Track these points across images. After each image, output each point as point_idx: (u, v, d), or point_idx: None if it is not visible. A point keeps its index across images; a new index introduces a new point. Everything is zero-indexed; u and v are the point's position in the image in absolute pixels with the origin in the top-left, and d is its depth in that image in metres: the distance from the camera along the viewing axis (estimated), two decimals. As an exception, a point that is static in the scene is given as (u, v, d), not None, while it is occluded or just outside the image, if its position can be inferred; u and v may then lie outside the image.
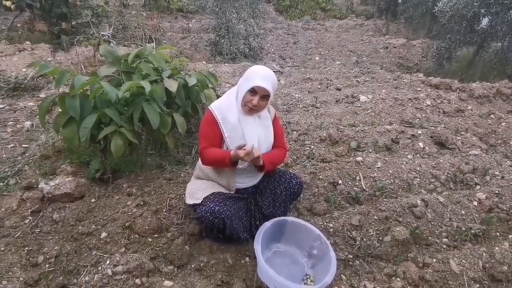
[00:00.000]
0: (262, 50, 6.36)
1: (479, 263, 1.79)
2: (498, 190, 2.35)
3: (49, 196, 2.09)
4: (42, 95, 3.58)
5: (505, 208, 2.22)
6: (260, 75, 1.68)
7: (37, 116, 2.94)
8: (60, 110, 2.16)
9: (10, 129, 2.96)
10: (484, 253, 1.85)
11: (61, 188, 2.12)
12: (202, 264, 1.79)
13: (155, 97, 2.24)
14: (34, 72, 3.76)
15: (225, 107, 1.78)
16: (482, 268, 1.78)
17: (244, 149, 1.63)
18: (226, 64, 5.35)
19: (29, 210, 2.03)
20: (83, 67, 4.12)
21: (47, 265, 1.75)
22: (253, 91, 1.68)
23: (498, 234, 2.07)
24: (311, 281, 1.76)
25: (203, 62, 5.42)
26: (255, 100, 1.68)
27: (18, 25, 5.93)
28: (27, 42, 5.01)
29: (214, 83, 2.80)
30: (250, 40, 6.31)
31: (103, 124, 2.21)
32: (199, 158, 1.91)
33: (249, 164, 1.85)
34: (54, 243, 1.88)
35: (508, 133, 3.30)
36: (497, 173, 2.62)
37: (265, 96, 1.70)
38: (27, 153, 2.64)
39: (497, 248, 1.88)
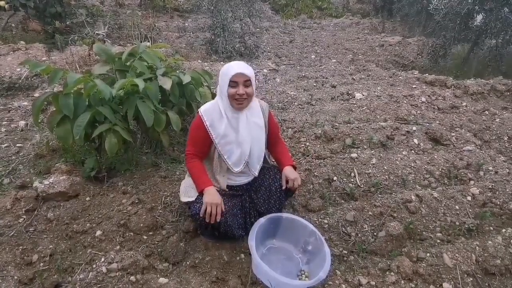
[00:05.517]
0: (257, 48, 6.36)
1: (472, 257, 1.80)
2: (492, 185, 2.37)
3: (44, 195, 2.09)
4: (37, 95, 3.57)
5: (498, 202, 2.24)
6: (232, 66, 1.70)
7: (32, 116, 2.93)
8: (54, 109, 2.16)
9: (4, 129, 2.95)
10: (477, 247, 1.86)
11: (56, 186, 2.12)
12: (197, 261, 1.79)
13: (149, 94, 2.24)
14: (28, 71, 3.75)
15: (215, 111, 1.79)
16: (475, 262, 1.79)
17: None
18: (221, 62, 5.34)
19: (24, 209, 2.02)
20: (77, 66, 4.11)
21: (41, 264, 1.75)
22: (233, 83, 1.68)
23: (491, 228, 2.08)
24: (306, 276, 1.77)
25: (199, 61, 5.42)
26: (240, 89, 1.68)
27: (12, 25, 5.90)
28: (22, 42, 4.98)
29: (209, 81, 2.79)
30: (245, 39, 6.30)
31: (97, 122, 2.20)
32: None
33: (244, 166, 1.86)
34: (49, 241, 1.88)
35: (502, 129, 3.31)
36: (490, 168, 2.63)
37: (246, 82, 1.69)
38: (21, 152, 2.63)
39: (490, 242, 1.90)
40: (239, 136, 1.79)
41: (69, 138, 2.09)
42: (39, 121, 2.90)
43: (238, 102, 1.72)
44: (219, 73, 1.78)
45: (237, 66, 1.69)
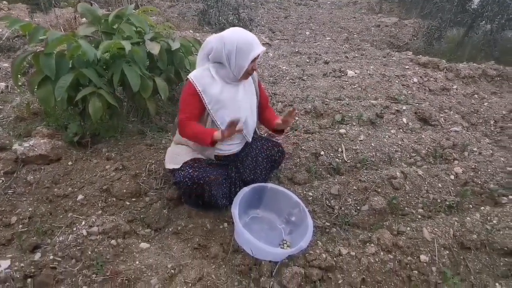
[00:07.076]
0: (251, 22, 6.19)
1: (450, 232, 1.85)
2: (475, 165, 2.41)
3: (23, 157, 2.03)
4: (18, 57, 3.42)
5: (479, 182, 2.28)
6: (251, 42, 1.62)
7: (11, 77, 2.81)
8: (35, 69, 2.06)
9: (-16, 90, 2.84)
10: (456, 222, 1.90)
11: (36, 149, 2.06)
12: (179, 228, 1.79)
13: (136, 59, 2.16)
14: (9, 32, 3.57)
15: (206, 77, 1.72)
16: (452, 236, 1.83)
17: (231, 126, 1.54)
18: (214, 34, 5.19)
19: (2, 171, 1.97)
20: (62, 29, 3.93)
21: (20, 226, 1.72)
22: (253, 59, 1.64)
23: (471, 206, 2.13)
24: (287, 246, 1.79)
25: (190, 31, 5.25)
26: (255, 64, 1.69)
27: (-6, -17, 5.57)
28: (4, 2, 4.73)
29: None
30: (239, 11, 6.12)
31: (81, 86, 2.13)
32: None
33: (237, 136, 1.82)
34: (28, 204, 1.84)
35: (490, 113, 3.35)
36: (475, 149, 2.67)
37: (259, 56, 1.68)
38: (0, 114, 2.54)
39: (468, 218, 1.94)
40: (236, 102, 1.75)
41: (50, 100, 2.01)
42: (20, 84, 2.80)
43: (250, 75, 1.73)
44: (217, 42, 1.66)
45: (257, 43, 1.63)
